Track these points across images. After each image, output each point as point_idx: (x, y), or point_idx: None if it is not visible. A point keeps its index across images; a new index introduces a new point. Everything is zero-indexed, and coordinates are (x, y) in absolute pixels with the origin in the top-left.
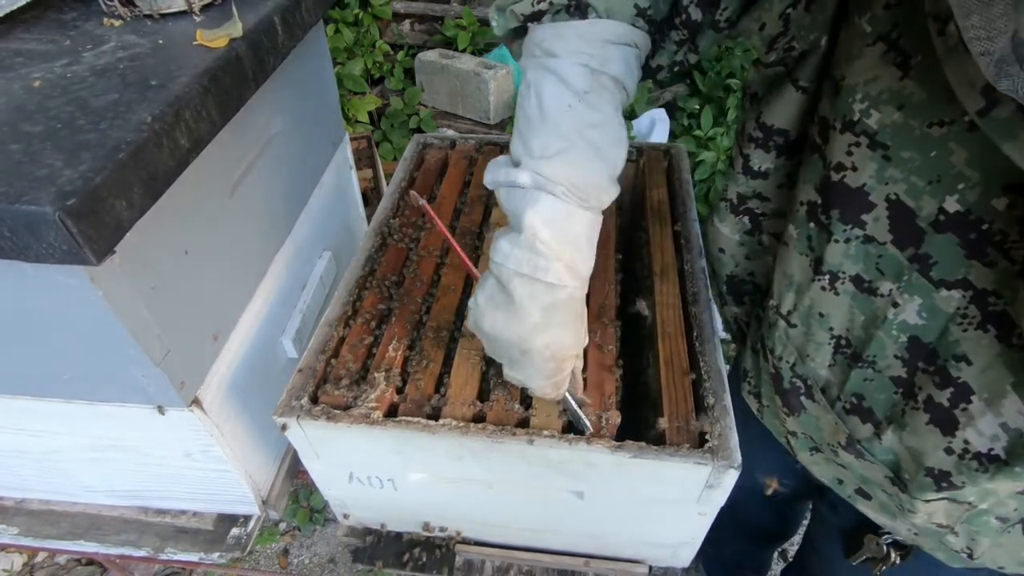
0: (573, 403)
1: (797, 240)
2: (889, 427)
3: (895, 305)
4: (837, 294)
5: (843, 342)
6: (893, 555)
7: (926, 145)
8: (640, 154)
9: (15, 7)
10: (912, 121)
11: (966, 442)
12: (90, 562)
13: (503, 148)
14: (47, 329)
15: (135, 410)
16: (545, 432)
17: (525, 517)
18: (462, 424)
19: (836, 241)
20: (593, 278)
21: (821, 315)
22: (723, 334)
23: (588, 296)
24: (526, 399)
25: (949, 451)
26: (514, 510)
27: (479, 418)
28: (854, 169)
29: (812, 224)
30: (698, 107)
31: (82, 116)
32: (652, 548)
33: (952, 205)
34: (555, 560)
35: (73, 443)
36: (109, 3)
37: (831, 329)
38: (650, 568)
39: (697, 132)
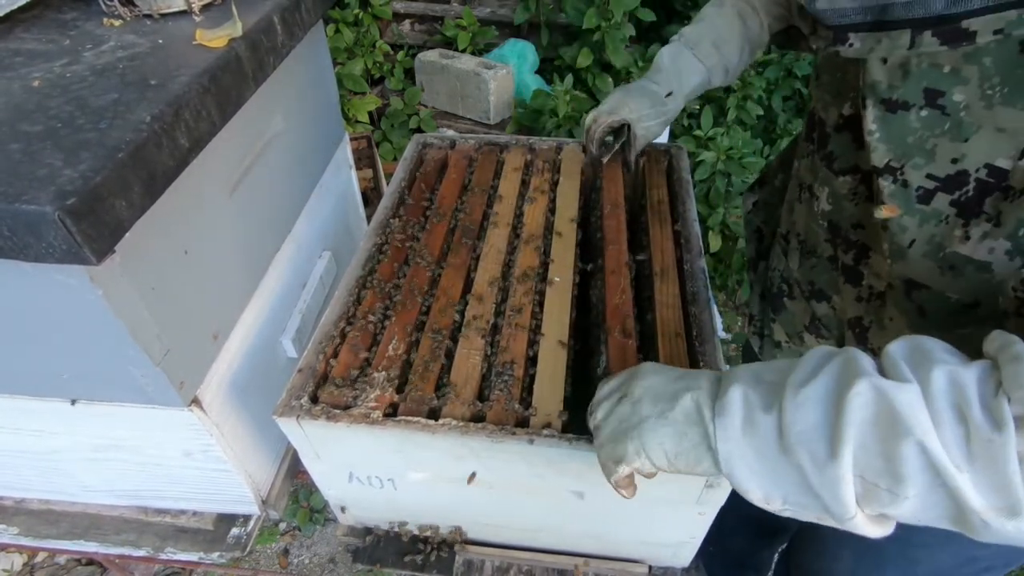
0: None
1: (796, 169)
2: (835, 297)
3: (816, 198)
4: (801, 202)
5: (803, 242)
6: None
7: (834, 69)
8: (640, 154)
9: (15, 7)
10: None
11: (870, 287)
12: (90, 562)
13: (503, 148)
14: (47, 329)
15: (135, 410)
16: (545, 432)
17: (525, 517)
18: (462, 424)
19: (803, 157)
20: (610, 273)
21: (794, 223)
22: (723, 334)
23: (605, 298)
24: (526, 399)
25: (858, 299)
26: (514, 510)
27: (479, 418)
28: (813, 99)
29: (805, 158)
30: (698, 107)
31: (82, 116)
32: (652, 548)
33: (847, 110)
34: (555, 560)
35: (73, 443)
36: (109, 3)
37: (798, 235)
38: (650, 568)
39: (697, 132)
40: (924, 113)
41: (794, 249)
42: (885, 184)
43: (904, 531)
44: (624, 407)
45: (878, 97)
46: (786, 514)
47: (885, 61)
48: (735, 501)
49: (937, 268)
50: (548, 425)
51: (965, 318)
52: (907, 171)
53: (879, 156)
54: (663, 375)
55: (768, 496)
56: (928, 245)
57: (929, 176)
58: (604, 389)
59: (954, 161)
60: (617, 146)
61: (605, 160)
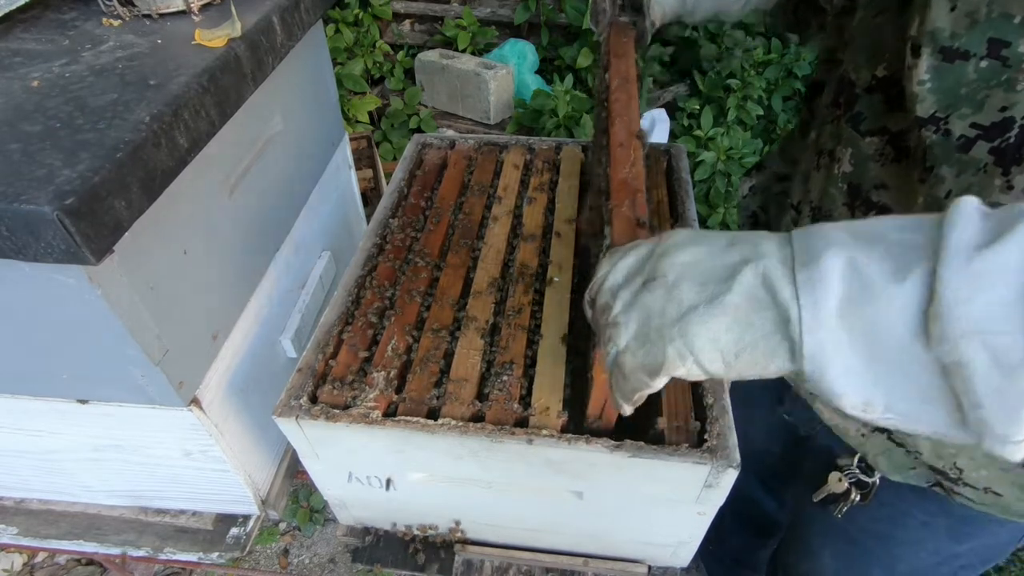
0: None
1: (815, 139)
2: None
3: (838, 160)
4: (819, 170)
5: (816, 209)
6: (854, 493)
7: (871, 31)
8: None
9: (14, 7)
10: (866, 13)
11: None
12: (90, 562)
13: (503, 148)
14: (46, 329)
15: (134, 409)
16: (544, 431)
17: (524, 517)
18: (461, 424)
19: (825, 124)
20: (618, 146)
21: (808, 192)
22: None
23: (610, 175)
24: (525, 399)
25: None
26: (513, 510)
27: (478, 417)
28: (843, 62)
29: (827, 124)
30: (698, 107)
31: (81, 116)
32: (651, 548)
33: (881, 72)
34: (555, 560)
35: (73, 443)
36: (108, 3)
37: (811, 203)
38: (649, 568)
39: (697, 132)
40: (984, 64)
41: (806, 217)
42: (928, 135)
43: (887, 528)
44: (654, 295)
45: (937, 45)
46: (881, 423)
47: (953, 8)
48: (733, 501)
49: None
50: (547, 425)
51: None
52: (951, 121)
53: (926, 107)
54: (706, 243)
55: (869, 402)
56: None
57: (973, 125)
58: (616, 268)
59: (1002, 109)
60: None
61: (611, 24)
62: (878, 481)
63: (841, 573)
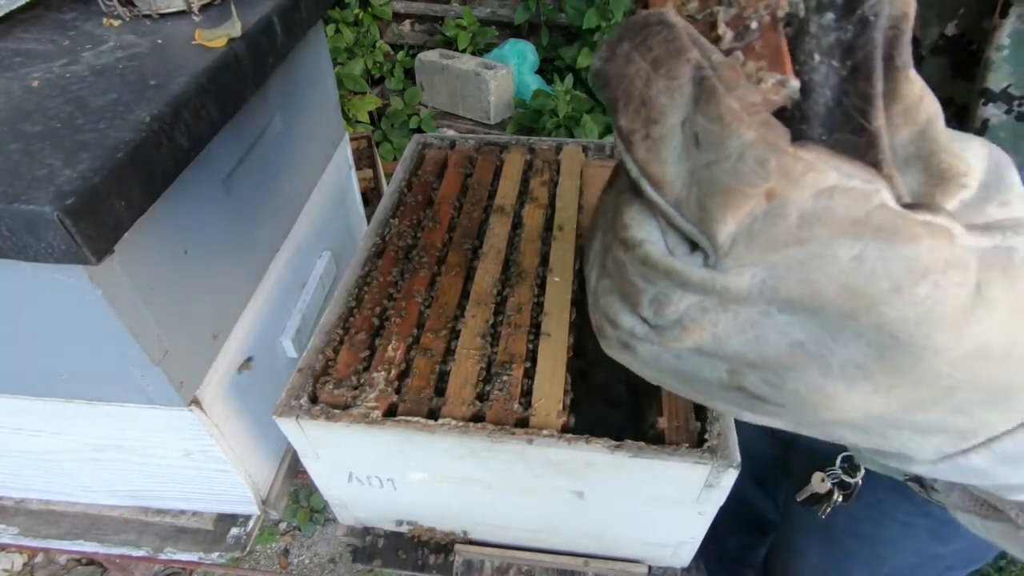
0: None
1: None
2: None
3: None
4: None
5: None
6: (836, 494)
7: None
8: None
9: (14, 7)
10: None
11: None
12: (90, 562)
13: (503, 148)
14: (46, 329)
15: (134, 410)
16: (544, 432)
17: (525, 517)
18: (461, 424)
19: None
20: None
21: None
22: None
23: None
24: (525, 399)
25: None
26: (514, 510)
27: (478, 418)
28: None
29: None
30: None
31: (81, 116)
32: (652, 548)
33: (951, 29)
34: (555, 560)
35: (73, 443)
36: (108, 3)
37: None
38: (649, 568)
39: None
40: None
41: None
42: (994, 113)
43: (868, 529)
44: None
45: None
46: None
47: None
48: (730, 501)
49: None
50: (547, 425)
51: None
52: None
53: (998, 78)
54: None
55: None
56: None
57: None
58: None
59: None
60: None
61: None
62: (860, 482)
63: (826, 573)
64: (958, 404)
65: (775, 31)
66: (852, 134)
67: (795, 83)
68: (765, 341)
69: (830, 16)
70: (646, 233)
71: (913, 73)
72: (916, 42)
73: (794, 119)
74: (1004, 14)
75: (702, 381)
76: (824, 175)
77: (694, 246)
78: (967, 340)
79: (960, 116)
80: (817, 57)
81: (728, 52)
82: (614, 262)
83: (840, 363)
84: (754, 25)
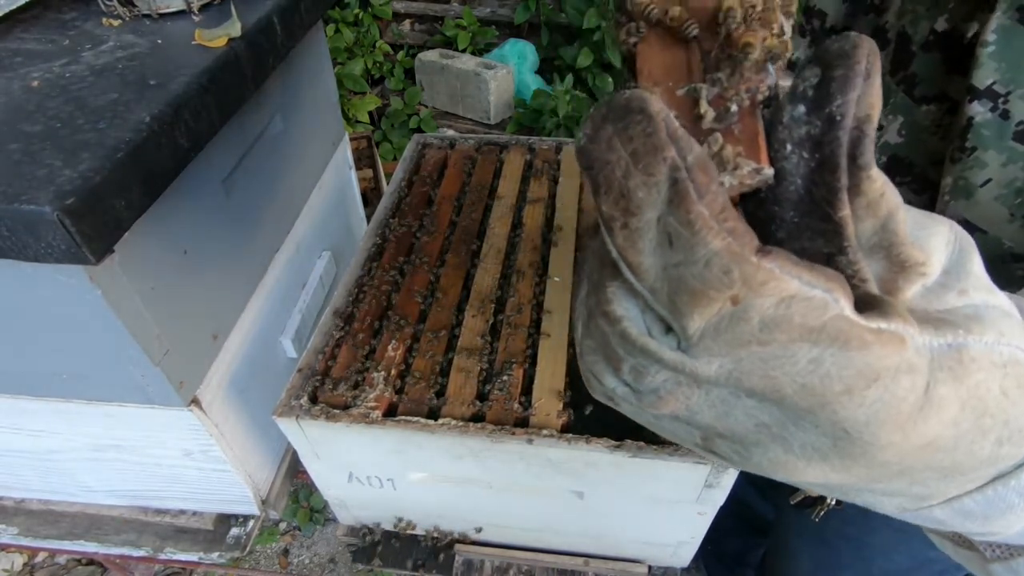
0: None
1: None
2: None
3: (879, 128)
4: None
5: None
6: (829, 497)
7: None
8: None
9: (14, 7)
10: None
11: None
12: (90, 562)
13: (503, 148)
14: (46, 329)
15: (134, 410)
16: (544, 431)
17: (525, 517)
18: (461, 423)
19: None
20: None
21: None
22: None
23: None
24: (525, 398)
25: None
26: (514, 510)
27: (478, 417)
28: (887, 9)
29: None
30: None
31: (81, 116)
32: (652, 548)
33: (941, 24)
34: (555, 560)
35: (72, 443)
36: (108, 3)
37: None
38: (650, 568)
39: None
40: None
41: None
42: (978, 111)
43: (858, 532)
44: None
45: (1015, 2)
46: None
47: None
48: (729, 502)
49: (1008, 214)
50: (547, 425)
51: (1006, 266)
52: (1012, 101)
53: (983, 75)
54: None
55: None
56: (1005, 189)
57: None
58: None
59: None
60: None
61: None
62: None
63: (817, 574)
64: (912, 479)
65: (753, 116)
66: (820, 221)
67: (769, 171)
68: (733, 419)
69: (801, 109)
70: (625, 310)
71: (875, 171)
72: (905, 39)
73: (768, 201)
74: (991, 8)
75: (679, 438)
76: (785, 284)
77: (668, 327)
78: (915, 437)
79: (954, 112)
80: (789, 147)
81: (709, 132)
82: (598, 329)
83: (800, 445)
84: (734, 108)
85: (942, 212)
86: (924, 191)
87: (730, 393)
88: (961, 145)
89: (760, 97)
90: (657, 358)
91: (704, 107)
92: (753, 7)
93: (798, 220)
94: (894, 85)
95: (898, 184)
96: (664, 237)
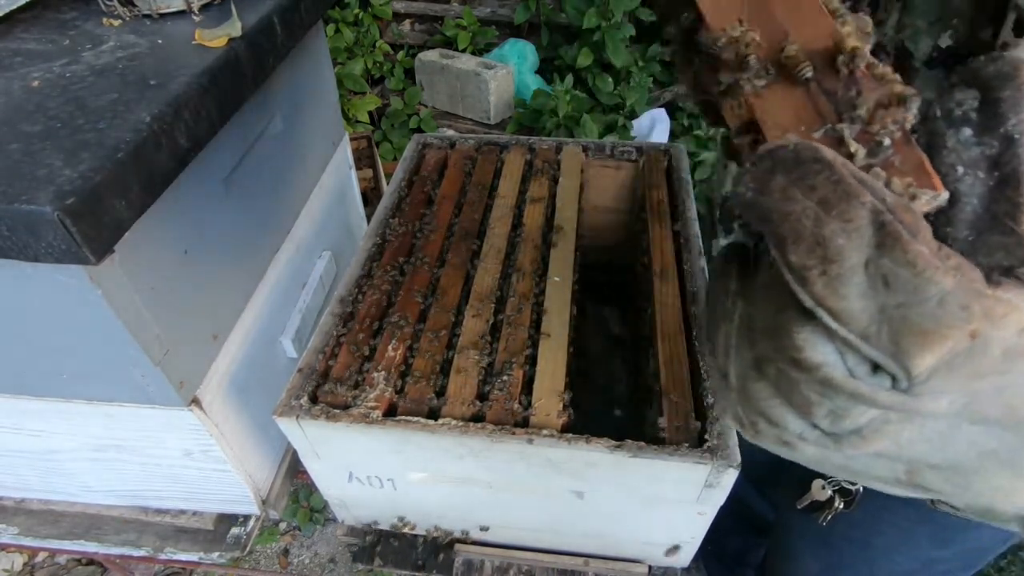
0: None
1: None
2: None
3: None
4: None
5: None
6: (837, 501)
7: None
8: (640, 154)
9: (14, 7)
10: None
11: None
12: (90, 562)
13: (503, 148)
14: (46, 329)
15: (134, 409)
16: (544, 431)
17: (525, 517)
18: (461, 423)
19: None
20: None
21: None
22: None
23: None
24: (525, 398)
25: None
26: (514, 510)
27: (478, 417)
28: (884, 23)
29: None
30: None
31: (81, 116)
32: (652, 548)
33: (945, 41)
34: (555, 560)
35: (73, 443)
36: (108, 3)
37: None
38: (650, 568)
39: (697, 132)
40: None
41: None
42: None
43: (864, 535)
44: None
45: None
46: None
47: None
48: (730, 502)
49: None
50: (547, 425)
51: None
52: None
53: None
54: None
55: None
56: None
57: None
58: None
59: None
60: None
61: None
62: (861, 489)
63: (820, 574)
64: None
65: (911, 145)
66: (1001, 235)
67: (945, 195)
68: (953, 449)
69: (968, 132)
70: (823, 356)
71: None
72: (905, 55)
73: (939, 222)
74: (995, 22)
75: (872, 477)
76: None
77: (875, 367)
78: None
79: None
80: (961, 169)
81: (866, 168)
82: (783, 376)
83: None
84: (887, 141)
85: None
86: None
87: (949, 424)
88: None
89: (908, 126)
90: (870, 401)
91: (854, 146)
92: (868, 34)
93: (973, 238)
94: None
95: None
96: (877, 280)
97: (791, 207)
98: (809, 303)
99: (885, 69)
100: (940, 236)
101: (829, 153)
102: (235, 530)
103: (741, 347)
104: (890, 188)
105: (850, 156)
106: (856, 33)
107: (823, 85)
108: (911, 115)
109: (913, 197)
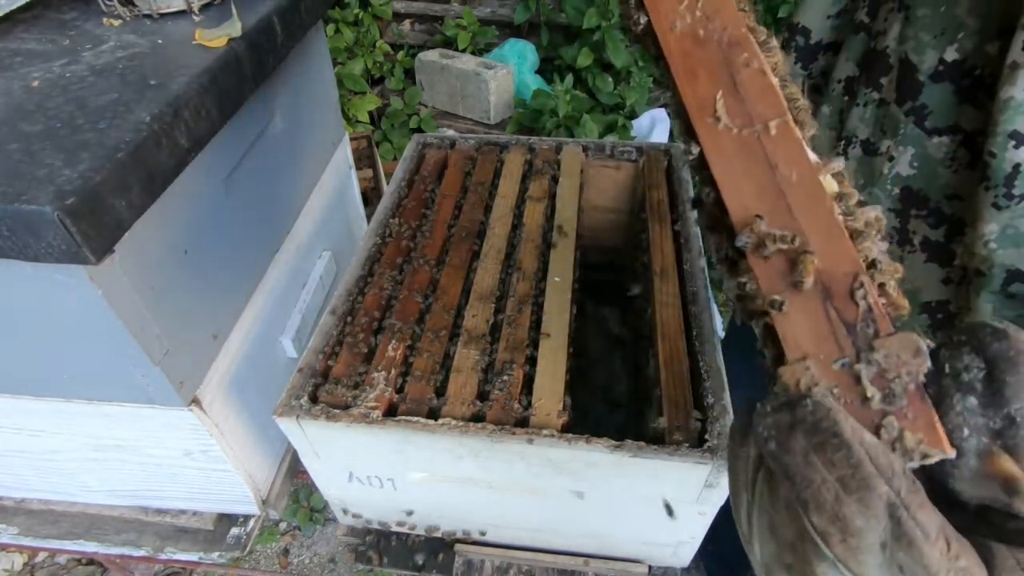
0: None
1: (828, 117)
2: None
3: (890, 159)
4: (848, 159)
5: None
6: None
7: (938, 1)
8: (640, 154)
9: (14, 7)
10: None
11: (963, 268)
12: (90, 562)
13: (503, 148)
14: (46, 328)
15: (134, 409)
16: (544, 431)
17: (525, 517)
18: (461, 423)
19: (857, 105)
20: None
21: None
22: (722, 334)
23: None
24: (525, 398)
25: (947, 280)
26: (514, 510)
27: (478, 417)
28: (885, 33)
29: (845, 97)
30: None
31: (81, 116)
32: (652, 548)
33: (951, 55)
34: (555, 560)
35: (73, 443)
36: (108, 3)
37: None
38: (650, 568)
39: None
40: None
41: None
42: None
43: None
44: None
45: None
46: None
47: None
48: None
49: None
50: (548, 425)
51: None
52: None
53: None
54: None
55: None
56: None
57: None
58: None
59: None
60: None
61: None
62: None
63: None
64: None
65: (924, 401)
66: (1005, 516)
67: (952, 453)
68: None
69: (972, 401)
70: None
71: None
72: (910, 67)
73: (942, 473)
74: (1001, 37)
75: None
76: None
77: None
78: None
79: (968, 144)
80: (967, 431)
81: (881, 415)
82: None
83: None
84: (900, 391)
85: (982, 258)
86: (940, 225)
87: None
88: (1008, 192)
89: (921, 379)
90: None
91: (871, 390)
92: (875, 263)
93: (971, 494)
94: (902, 116)
95: (914, 218)
96: (894, 565)
97: (813, 475)
98: (830, 556)
99: (900, 299)
100: (940, 489)
101: (847, 429)
102: (235, 530)
103: (763, 538)
104: (902, 442)
105: (866, 398)
106: (884, 267)
107: (843, 316)
108: (925, 367)
109: (925, 456)
